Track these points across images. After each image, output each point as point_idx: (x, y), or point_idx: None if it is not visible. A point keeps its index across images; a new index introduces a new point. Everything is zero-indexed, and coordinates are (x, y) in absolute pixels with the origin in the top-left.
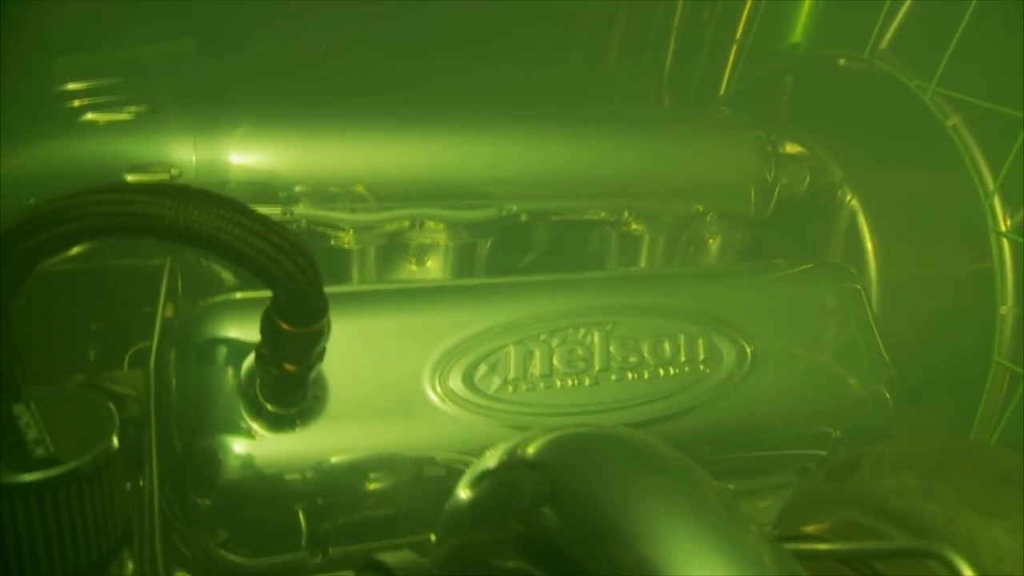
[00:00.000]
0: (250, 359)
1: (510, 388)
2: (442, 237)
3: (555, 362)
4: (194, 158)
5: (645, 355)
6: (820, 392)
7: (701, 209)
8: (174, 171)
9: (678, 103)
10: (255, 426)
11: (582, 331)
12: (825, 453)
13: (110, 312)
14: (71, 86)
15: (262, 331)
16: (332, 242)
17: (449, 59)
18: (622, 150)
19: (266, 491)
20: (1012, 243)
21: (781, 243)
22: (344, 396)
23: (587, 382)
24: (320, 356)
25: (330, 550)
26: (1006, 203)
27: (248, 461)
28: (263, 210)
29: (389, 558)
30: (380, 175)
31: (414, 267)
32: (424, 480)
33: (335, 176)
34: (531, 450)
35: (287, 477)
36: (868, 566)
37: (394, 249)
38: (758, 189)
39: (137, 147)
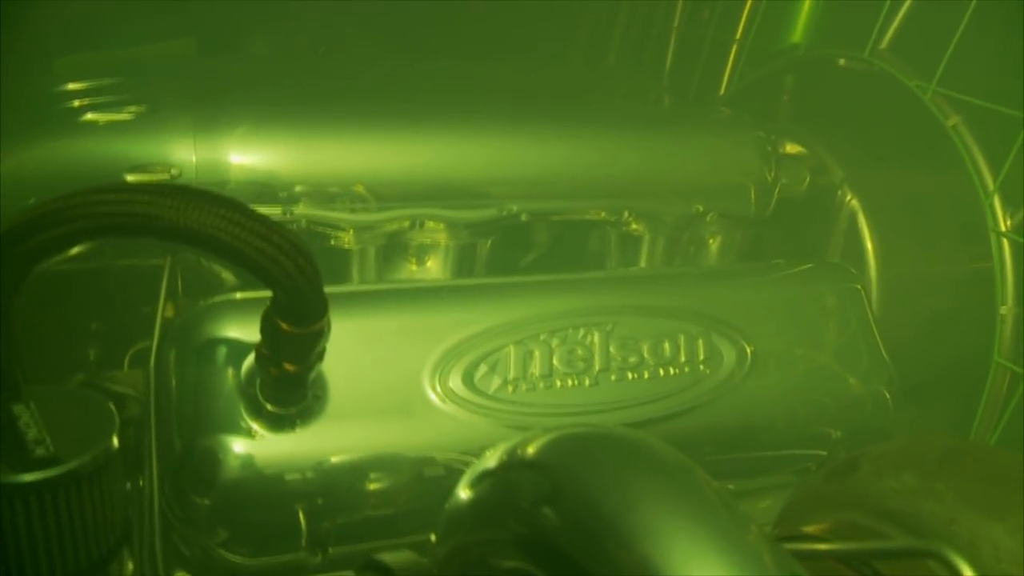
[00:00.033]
0: (250, 359)
1: (510, 388)
2: (442, 237)
3: (555, 362)
4: (194, 158)
5: (645, 355)
6: (820, 392)
7: (701, 209)
8: (174, 171)
9: (678, 103)
10: (255, 426)
11: (582, 331)
12: (825, 453)
13: (110, 312)
14: (71, 86)
15: (262, 331)
16: (332, 242)
17: (449, 59)
18: (622, 150)
19: (266, 491)
20: (1012, 243)
21: (781, 243)
22: (344, 396)
23: (587, 382)
24: (320, 356)
25: (330, 550)
26: (1006, 203)
27: (248, 461)
28: (263, 210)
29: (389, 558)
30: (380, 175)
31: (414, 267)
32: (424, 480)
33: (335, 176)
34: (530, 450)
35: (287, 477)
36: (868, 566)
37: (394, 249)
38: (758, 189)
39: (137, 147)
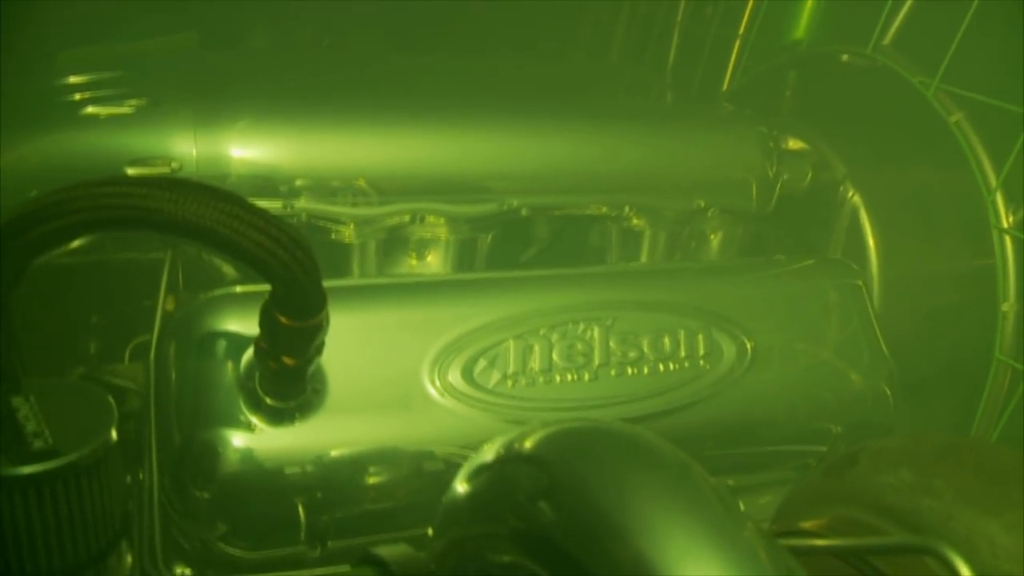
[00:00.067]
0: (249, 352)
1: (509, 383)
2: (443, 232)
3: (555, 357)
4: (195, 152)
5: (645, 350)
6: (821, 388)
7: (702, 204)
8: (175, 165)
9: (680, 98)
10: (254, 419)
11: (582, 326)
12: (825, 449)
13: (111, 305)
14: (72, 79)
15: (261, 324)
16: (333, 236)
17: (451, 54)
18: (624, 145)
19: (265, 484)
20: (1014, 240)
21: (782, 239)
22: (343, 390)
23: (587, 377)
24: (319, 350)
25: (329, 543)
26: (1009, 200)
27: (247, 454)
28: (264, 204)
29: (385, 552)
30: (381, 169)
31: (414, 261)
32: (423, 474)
33: (336, 170)
34: (528, 444)
35: (286, 470)
36: (865, 562)
37: (394, 243)
38: (760, 185)
39: (138, 140)
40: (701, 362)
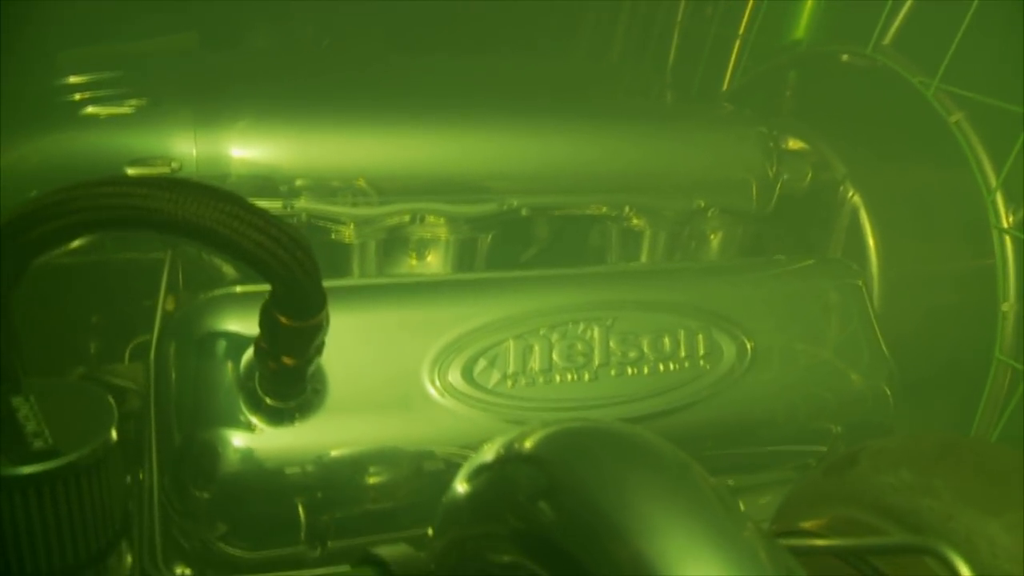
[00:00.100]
0: (249, 352)
1: (509, 383)
2: (443, 232)
3: (555, 357)
4: (195, 152)
5: (645, 350)
6: (821, 388)
7: (702, 204)
8: (175, 165)
9: (680, 99)
10: (254, 419)
11: (582, 326)
12: (825, 449)
13: (111, 305)
14: (72, 79)
15: (261, 324)
16: (333, 236)
17: (451, 54)
18: (624, 145)
19: (265, 484)
20: (1014, 240)
21: (782, 239)
22: (343, 390)
23: (586, 377)
24: (319, 350)
25: (329, 543)
26: (1009, 200)
27: (247, 454)
28: (264, 204)
29: (385, 552)
30: (381, 169)
31: (414, 261)
32: (423, 474)
33: (336, 170)
34: (527, 445)
35: (286, 470)
36: (865, 562)
37: (394, 243)
38: (760, 185)
39: (138, 140)
40: (701, 362)
